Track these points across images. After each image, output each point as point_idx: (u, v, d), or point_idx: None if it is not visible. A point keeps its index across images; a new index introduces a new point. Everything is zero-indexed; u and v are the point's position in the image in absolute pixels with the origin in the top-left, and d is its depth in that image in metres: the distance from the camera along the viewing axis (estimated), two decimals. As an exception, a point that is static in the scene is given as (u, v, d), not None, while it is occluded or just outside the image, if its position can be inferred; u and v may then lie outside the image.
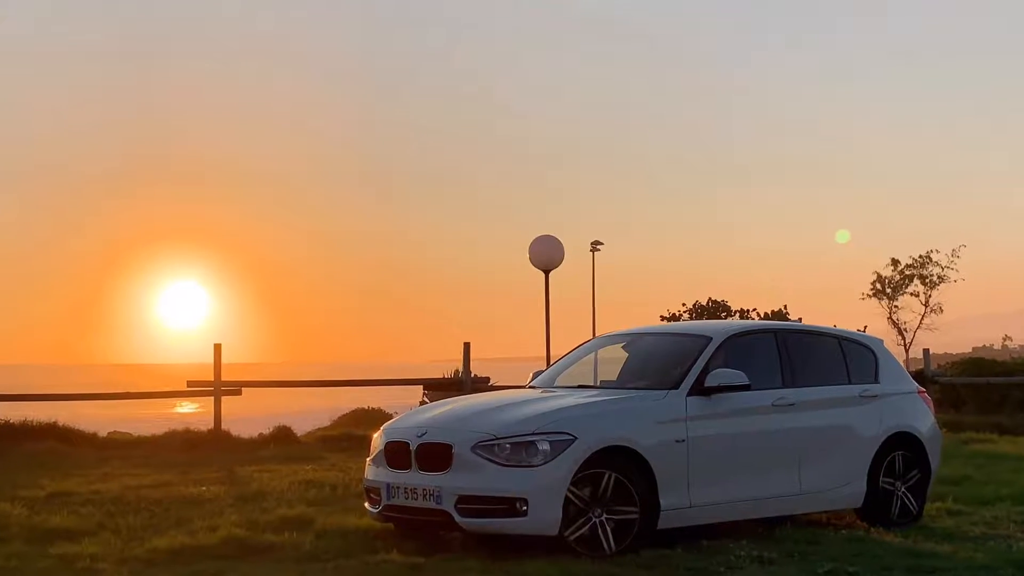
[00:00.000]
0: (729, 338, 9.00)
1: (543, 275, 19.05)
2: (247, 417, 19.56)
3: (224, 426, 16.21)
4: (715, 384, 8.47)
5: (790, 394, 8.96)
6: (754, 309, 36.04)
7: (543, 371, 9.98)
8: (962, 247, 54.85)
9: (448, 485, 7.76)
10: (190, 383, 16.81)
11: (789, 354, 9.19)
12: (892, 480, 9.41)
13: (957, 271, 54.94)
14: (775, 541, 8.28)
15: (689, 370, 8.59)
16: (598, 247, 46.77)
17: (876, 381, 9.65)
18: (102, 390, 19.83)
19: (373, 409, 21.34)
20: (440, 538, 8.24)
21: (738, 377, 8.51)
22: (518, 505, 7.59)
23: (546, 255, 18.74)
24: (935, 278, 55.62)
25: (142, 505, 9.97)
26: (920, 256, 55.76)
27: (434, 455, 7.92)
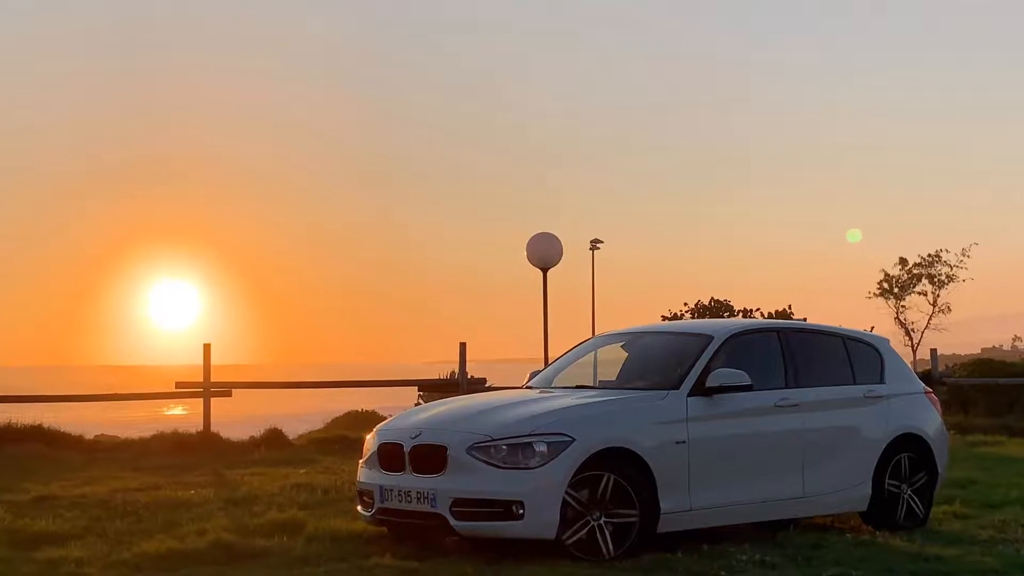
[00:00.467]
0: (731, 337, 9.01)
1: (541, 273, 19.04)
2: (237, 419, 19.55)
3: (214, 428, 16.21)
4: (716, 384, 8.48)
5: (793, 395, 8.97)
6: (757, 309, 35.99)
7: (540, 371, 9.99)
8: (973, 245, 54.86)
9: (443, 488, 7.77)
10: (179, 384, 16.82)
11: (792, 354, 9.20)
12: (898, 483, 9.42)
13: (967, 270, 54.97)
14: (778, 545, 8.28)
15: (690, 370, 8.60)
16: (598, 246, 46.82)
17: (882, 381, 9.66)
18: (89, 391, 19.82)
19: (367, 411, 21.38)
20: (435, 542, 8.25)
21: (740, 377, 8.51)
22: (514, 508, 7.60)
23: (544, 253, 18.73)
24: (944, 277, 55.64)
25: (129, 509, 9.96)
26: (929, 255, 55.82)
27: (428, 457, 7.93)
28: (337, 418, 21.41)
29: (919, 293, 56.36)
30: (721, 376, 8.49)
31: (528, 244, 18.85)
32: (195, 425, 16.63)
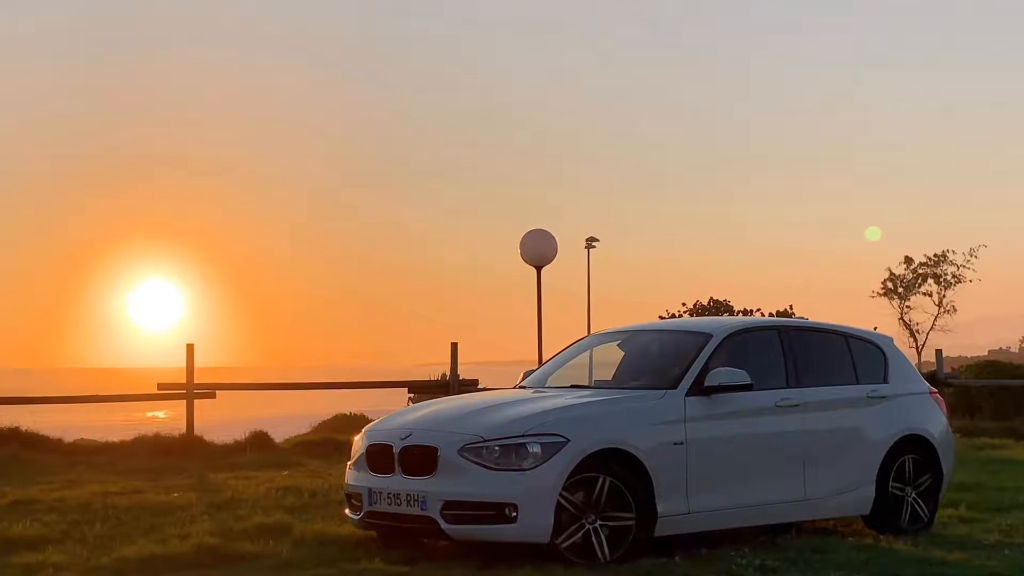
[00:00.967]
0: (730, 335, 9.02)
1: (535, 272, 19.06)
2: (221, 423, 19.52)
3: (197, 431, 16.20)
4: (715, 384, 8.49)
5: (794, 394, 8.99)
6: (758, 309, 36.09)
7: (534, 371, 10.00)
8: (981, 247, 55.03)
9: (433, 490, 7.77)
10: (161, 386, 16.81)
11: (793, 352, 9.22)
12: (902, 485, 9.44)
13: (974, 271, 55.13)
14: (778, 549, 8.31)
15: (688, 369, 8.61)
16: (593, 244, 46.92)
17: (885, 381, 9.68)
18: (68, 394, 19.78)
19: (356, 415, 21.34)
20: (425, 546, 8.27)
21: (740, 376, 8.53)
22: (507, 511, 7.60)
23: (538, 250, 18.75)
24: (950, 277, 55.79)
25: (109, 513, 9.96)
26: (935, 255, 55.96)
27: (419, 458, 7.93)
28: (324, 421, 21.37)
29: (924, 293, 56.57)
30: (720, 375, 8.50)
31: (522, 241, 18.87)
32: (177, 428, 16.62)
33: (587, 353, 10.02)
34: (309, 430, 19.46)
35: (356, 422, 19.12)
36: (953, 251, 55.68)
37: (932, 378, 18.55)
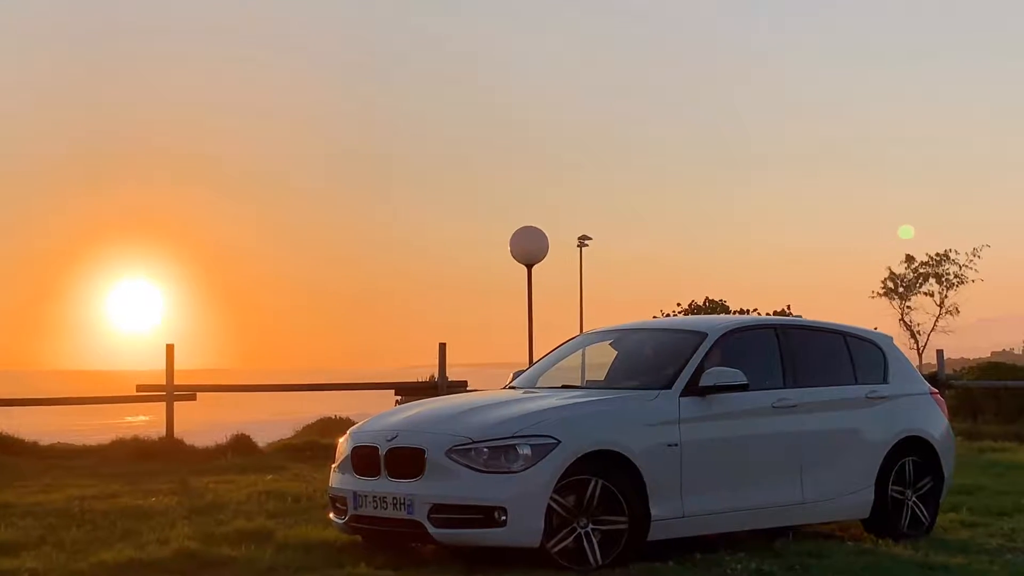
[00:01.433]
0: (726, 334, 9.03)
1: (525, 271, 19.07)
2: (202, 426, 19.54)
3: (177, 435, 16.18)
4: (711, 384, 8.49)
5: (792, 395, 9.00)
6: (755, 309, 36.08)
7: (524, 371, 10.00)
8: (984, 247, 55.11)
9: (420, 493, 7.76)
10: (140, 388, 16.78)
11: (791, 352, 9.23)
12: (902, 488, 9.46)
13: (977, 271, 55.21)
14: (775, 554, 8.31)
15: (682, 369, 8.61)
16: (586, 243, 46.88)
17: (885, 381, 9.70)
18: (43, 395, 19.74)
19: (341, 418, 21.38)
20: (412, 551, 8.26)
21: (735, 376, 8.53)
22: (496, 514, 7.59)
23: (529, 248, 18.77)
24: (952, 277, 55.88)
25: (87, 517, 9.95)
26: (937, 254, 56.03)
27: (405, 460, 7.93)
28: (309, 425, 21.43)
29: (926, 294, 56.63)
30: (715, 375, 8.51)
31: (512, 239, 18.89)
32: (157, 431, 16.60)
33: (578, 353, 10.02)
34: (293, 435, 19.47)
35: (341, 425, 19.12)
36: (956, 251, 55.78)
37: (933, 379, 18.58)
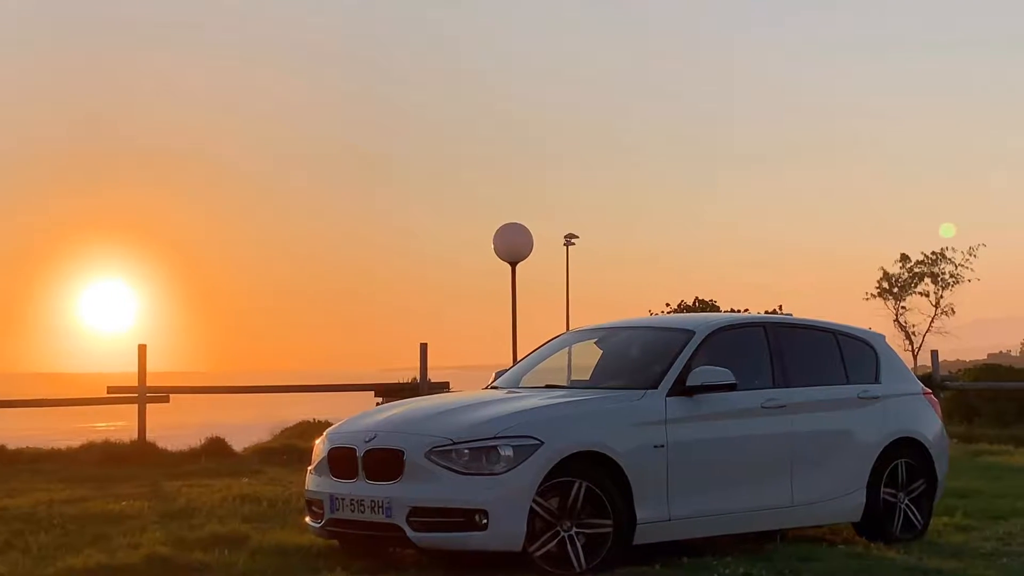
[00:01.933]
0: (713, 332, 9.05)
1: (509, 268, 19.07)
2: (175, 429, 19.47)
3: (149, 438, 16.13)
4: (698, 383, 8.50)
5: (781, 395, 9.02)
6: (746, 309, 36.15)
7: (506, 370, 10.00)
8: (980, 246, 55.32)
9: (399, 496, 7.76)
10: (111, 389, 16.71)
11: (780, 350, 9.25)
12: (894, 491, 9.49)
13: (973, 271, 55.43)
14: (764, 558, 8.32)
15: (669, 368, 8.62)
16: (572, 241, 46.95)
17: (877, 381, 9.73)
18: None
19: (319, 421, 21.31)
20: (390, 555, 8.25)
21: (723, 375, 8.54)
22: (477, 518, 7.59)
23: (512, 245, 18.75)
24: (948, 277, 56.08)
25: (55, 522, 9.91)
26: (932, 253, 56.23)
27: (383, 462, 7.92)
28: (287, 428, 21.37)
29: (921, 294, 56.82)
30: (703, 374, 8.52)
31: (495, 236, 18.87)
32: (129, 434, 16.55)
33: (561, 353, 10.03)
34: (271, 437, 19.43)
35: (320, 428, 19.01)
36: (952, 249, 55.99)
37: (928, 381, 18.65)
